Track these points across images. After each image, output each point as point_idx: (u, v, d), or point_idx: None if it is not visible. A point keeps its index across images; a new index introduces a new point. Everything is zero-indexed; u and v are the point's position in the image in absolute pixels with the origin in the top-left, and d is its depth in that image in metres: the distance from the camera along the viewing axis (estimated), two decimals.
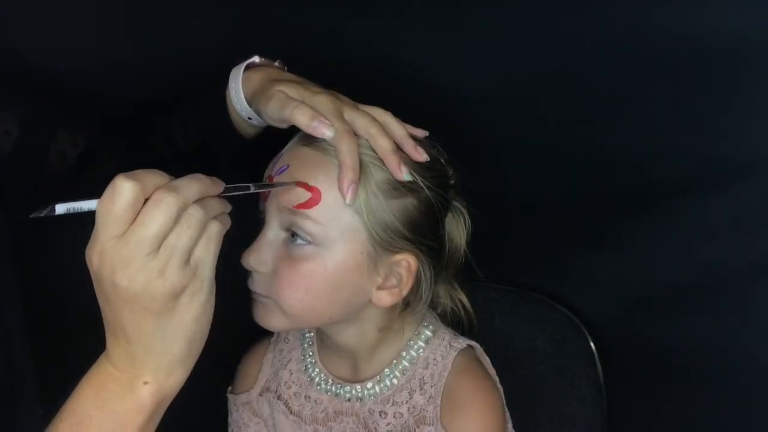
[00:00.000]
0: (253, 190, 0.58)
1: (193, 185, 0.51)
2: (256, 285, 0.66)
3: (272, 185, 0.64)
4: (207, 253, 0.52)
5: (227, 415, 0.83)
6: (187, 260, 0.50)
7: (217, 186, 0.53)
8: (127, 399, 0.53)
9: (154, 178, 0.50)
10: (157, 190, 0.49)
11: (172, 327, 0.52)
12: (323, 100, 0.62)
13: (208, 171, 0.75)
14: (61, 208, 0.48)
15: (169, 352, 0.53)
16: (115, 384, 0.53)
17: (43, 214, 0.48)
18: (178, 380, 0.55)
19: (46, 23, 0.75)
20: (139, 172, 0.50)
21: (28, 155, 0.71)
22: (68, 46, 0.77)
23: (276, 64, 0.71)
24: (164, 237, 0.49)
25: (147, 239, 0.48)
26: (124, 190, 0.48)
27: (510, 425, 0.76)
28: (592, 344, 0.83)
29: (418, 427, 0.71)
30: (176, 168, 0.75)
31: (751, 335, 0.71)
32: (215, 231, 0.52)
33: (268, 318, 0.66)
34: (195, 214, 0.50)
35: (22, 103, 0.72)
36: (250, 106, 0.68)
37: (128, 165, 0.74)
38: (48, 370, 0.67)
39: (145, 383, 0.53)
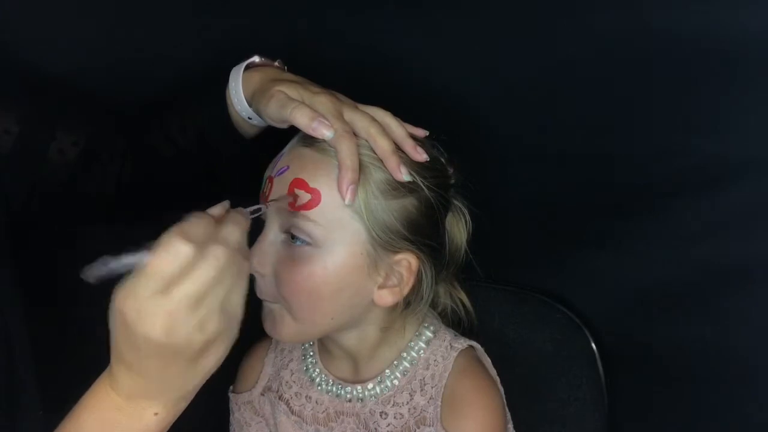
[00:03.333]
0: (264, 210, 0.58)
1: (238, 232, 0.51)
2: (262, 292, 0.66)
3: (273, 201, 0.63)
4: (239, 296, 0.52)
5: (228, 415, 0.83)
6: (223, 308, 0.50)
7: (247, 220, 0.54)
8: (134, 429, 0.52)
9: (205, 229, 0.49)
10: (209, 246, 0.49)
11: (197, 369, 0.52)
12: (323, 101, 0.62)
13: (209, 171, 0.76)
14: (114, 264, 0.47)
15: (186, 388, 0.53)
16: (122, 415, 0.52)
17: (92, 278, 0.47)
18: (184, 407, 0.55)
19: (46, 23, 0.75)
20: (192, 227, 0.49)
21: (27, 154, 0.71)
22: (68, 46, 0.77)
23: (276, 63, 0.71)
24: (208, 291, 0.49)
25: (192, 295, 0.48)
26: (181, 253, 0.47)
27: (510, 425, 0.76)
28: (592, 344, 0.83)
29: (419, 428, 0.71)
30: (176, 168, 0.75)
31: (751, 335, 0.71)
32: (246, 271, 0.52)
33: (278, 328, 0.67)
34: (236, 263, 0.50)
35: (22, 103, 0.72)
36: (250, 106, 0.68)
37: (128, 164, 0.75)
38: (48, 370, 0.67)
39: (156, 414, 0.52)
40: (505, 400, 0.74)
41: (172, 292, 0.47)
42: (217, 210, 0.53)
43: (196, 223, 0.49)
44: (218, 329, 0.50)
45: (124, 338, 0.50)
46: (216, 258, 0.48)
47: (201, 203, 0.82)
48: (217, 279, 0.49)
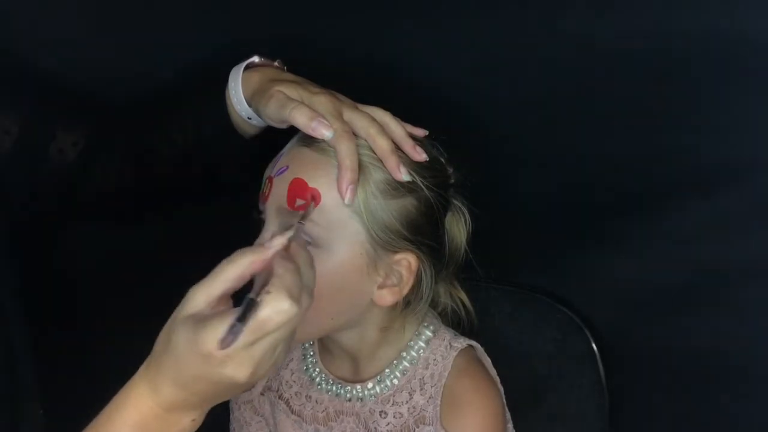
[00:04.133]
0: (297, 225, 0.57)
1: (313, 274, 0.54)
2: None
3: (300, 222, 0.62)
4: None
5: (228, 414, 0.83)
6: None
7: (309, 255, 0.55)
8: None
9: (297, 281, 0.50)
10: (301, 297, 0.50)
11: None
12: (322, 101, 0.62)
13: (209, 171, 0.76)
14: (241, 326, 0.48)
15: (225, 399, 0.54)
16: (161, 422, 0.53)
17: (234, 342, 0.48)
18: None
19: (46, 23, 0.75)
20: (292, 282, 0.49)
21: (27, 155, 0.71)
22: (68, 46, 0.77)
23: (275, 63, 0.71)
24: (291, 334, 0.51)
25: (279, 340, 0.50)
26: (284, 312, 0.48)
27: (510, 425, 0.76)
28: (593, 344, 0.82)
29: (418, 427, 0.71)
30: (176, 168, 0.75)
31: (752, 335, 0.71)
32: None
33: None
34: None
35: (22, 103, 0.72)
36: (250, 106, 0.68)
37: (128, 164, 0.75)
38: (49, 370, 0.67)
39: (193, 420, 0.53)
40: (504, 400, 0.74)
41: (263, 340, 0.49)
42: (282, 241, 0.53)
43: (292, 276, 0.50)
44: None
45: (199, 372, 0.50)
46: (302, 307, 0.50)
47: (201, 203, 0.82)
48: (297, 322, 0.50)
